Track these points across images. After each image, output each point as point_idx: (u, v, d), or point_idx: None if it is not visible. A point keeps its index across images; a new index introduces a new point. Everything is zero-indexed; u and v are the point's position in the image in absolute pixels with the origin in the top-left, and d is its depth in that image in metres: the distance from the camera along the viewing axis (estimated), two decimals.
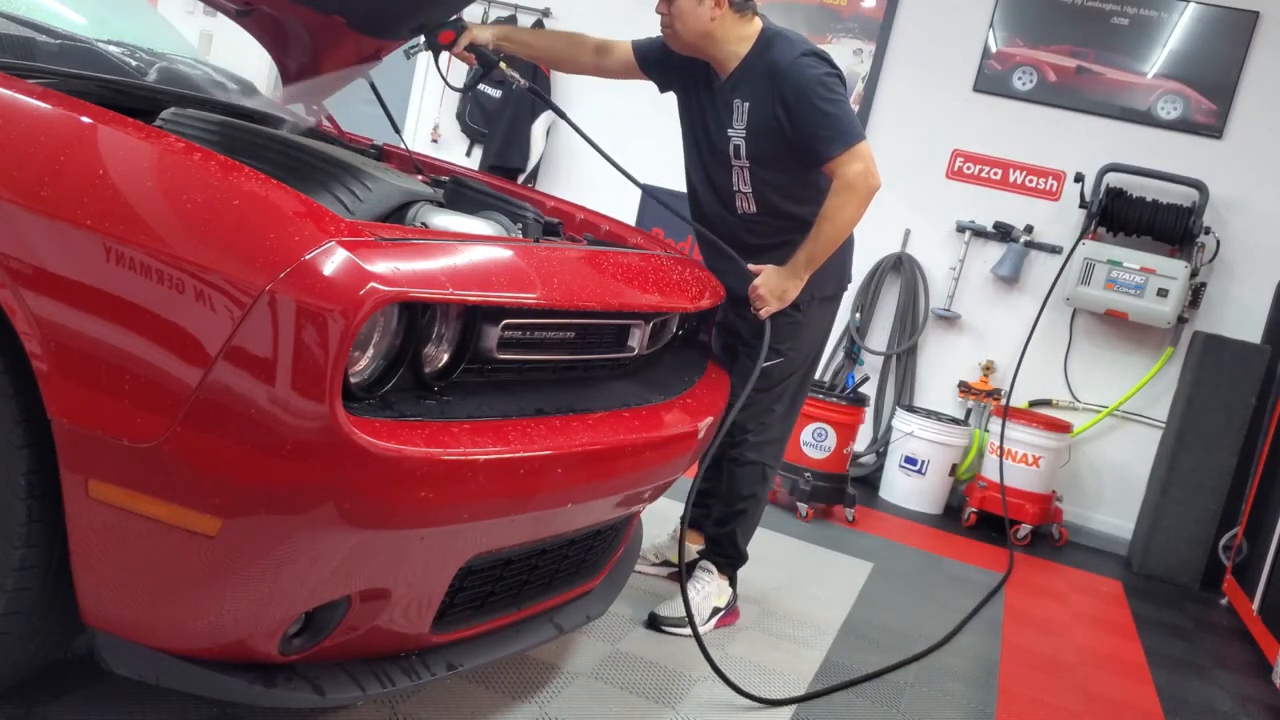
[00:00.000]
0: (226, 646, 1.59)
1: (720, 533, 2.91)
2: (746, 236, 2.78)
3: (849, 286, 3.00)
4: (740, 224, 2.80)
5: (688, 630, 2.77)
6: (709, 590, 2.86)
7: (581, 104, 5.59)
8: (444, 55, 2.79)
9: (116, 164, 1.55)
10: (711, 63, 2.73)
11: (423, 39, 2.75)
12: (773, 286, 2.69)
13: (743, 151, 2.71)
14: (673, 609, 2.79)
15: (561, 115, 2.88)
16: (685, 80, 2.83)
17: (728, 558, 2.93)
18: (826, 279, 2.80)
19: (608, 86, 5.34)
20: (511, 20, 5.62)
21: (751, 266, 2.72)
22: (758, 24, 2.70)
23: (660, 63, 2.87)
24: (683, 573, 2.60)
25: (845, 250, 2.84)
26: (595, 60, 2.95)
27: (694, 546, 3.08)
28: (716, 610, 2.87)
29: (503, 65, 2.80)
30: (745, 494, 2.86)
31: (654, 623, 2.77)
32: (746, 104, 2.68)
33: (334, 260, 1.45)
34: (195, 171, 1.54)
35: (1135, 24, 4.88)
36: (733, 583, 2.95)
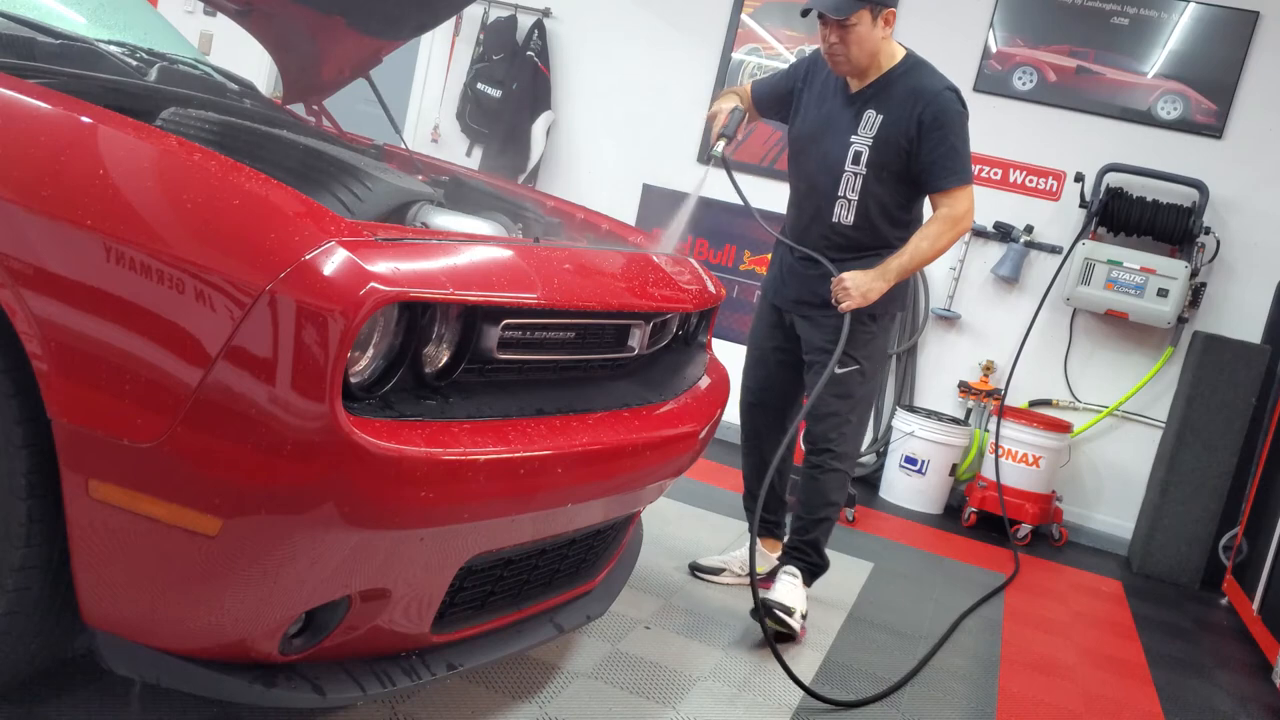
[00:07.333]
0: (227, 646, 1.59)
1: (804, 540, 2.95)
2: (829, 250, 2.89)
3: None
4: (830, 231, 2.89)
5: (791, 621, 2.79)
6: (799, 594, 2.89)
7: (581, 102, 5.59)
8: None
9: (116, 164, 1.55)
10: (852, 77, 2.88)
11: (722, 148, 2.83)
12: (859, 281, 2.80)
13: (863, 159, 2.84)
14: (783, 597, 2.83)
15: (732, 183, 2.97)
16: (814, 91, 2.96)
17: (813, 564, 2.97)
18: (895, 297, 2.91)
19: (605, 84, 5.35)
20: (511, 20, 5.62)
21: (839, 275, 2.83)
22: (899, 46, 2.89)
23: (781, 95, 3.02)
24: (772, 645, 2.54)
25: (912, 278, 2.97)
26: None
27: (772, 555, 3.11)
28: (804, 615, 2.89)
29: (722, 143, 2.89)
30: (831, 500, 2.93)
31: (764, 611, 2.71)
32: (880, 116, 2.83)
33: (334, 260, 1.45)
34: (195, 171, 1.54)
35: (1135, 24, 4.88)
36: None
